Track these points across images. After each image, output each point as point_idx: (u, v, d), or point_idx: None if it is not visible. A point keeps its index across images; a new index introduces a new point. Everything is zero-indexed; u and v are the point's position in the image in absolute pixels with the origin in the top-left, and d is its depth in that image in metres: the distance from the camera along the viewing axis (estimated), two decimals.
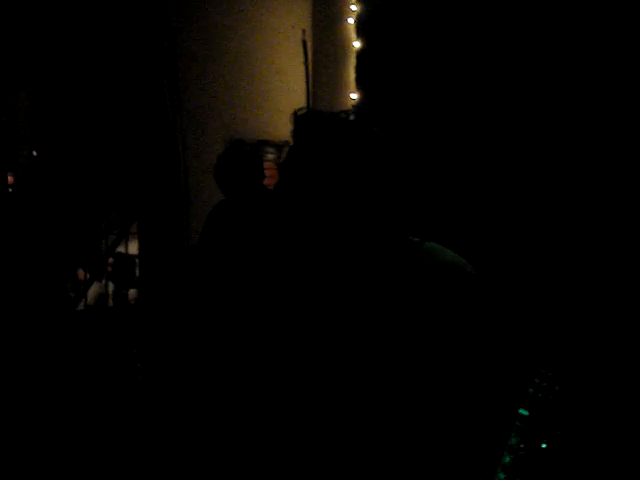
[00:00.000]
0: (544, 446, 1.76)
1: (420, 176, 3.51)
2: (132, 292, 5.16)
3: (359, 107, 4.46)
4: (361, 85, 4.46)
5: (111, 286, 5.04)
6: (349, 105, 4.60)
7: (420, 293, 1.34)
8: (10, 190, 4.58)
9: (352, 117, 1.41)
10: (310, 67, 4.72)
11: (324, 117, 1.41)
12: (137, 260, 4.81)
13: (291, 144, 1.42)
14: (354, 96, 4.51)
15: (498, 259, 3.11)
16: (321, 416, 1.42)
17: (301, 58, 4.64)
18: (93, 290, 4.82)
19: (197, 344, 3.56)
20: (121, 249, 4.82)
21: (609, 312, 2.73)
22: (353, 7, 4.50)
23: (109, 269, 5.03)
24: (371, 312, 1.37)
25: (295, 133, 1.41)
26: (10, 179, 4.60)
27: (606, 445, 2.54)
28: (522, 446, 1.66)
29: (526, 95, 3.31)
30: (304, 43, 4.63)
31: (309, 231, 1.38)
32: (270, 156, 4.64)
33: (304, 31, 4.64)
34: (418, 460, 1.38)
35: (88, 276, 4.80)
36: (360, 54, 4.42)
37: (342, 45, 4.60)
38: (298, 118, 1.40)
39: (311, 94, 4.77)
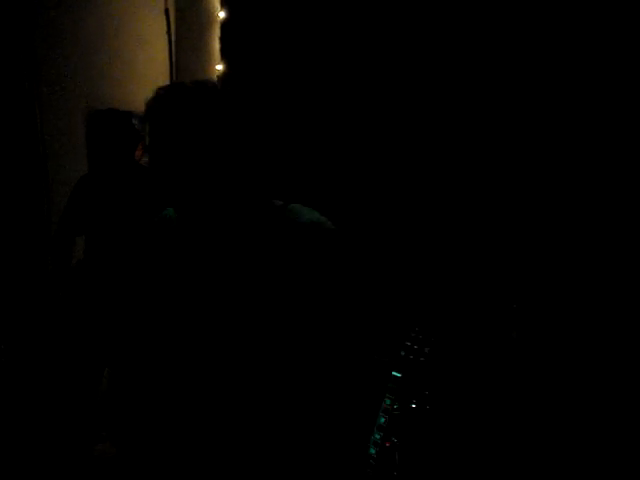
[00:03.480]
0: (414, 406, 1.87)
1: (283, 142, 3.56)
2: None
3: (224, 78, 4.42)
4: (226, 56, 4.42)
5: None
6: (214, 76, 4.55)
7: (287, 251, 1.40)
8: None
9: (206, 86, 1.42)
10: (173, 37, 4.61)
11: (181, 91, 1.42)
12: None
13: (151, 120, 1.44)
14: (219, 67, 4.46)
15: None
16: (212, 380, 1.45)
17: (164, 27, 4.53)
18: None
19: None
20: None
21: (473, 277, 2.89)
22: None
23: None
24: (248, 276, 1.42)
25: (156, 110, 1.42)
26: None
27: (471, 402, 2.71)
28: (395, 407, 1.75)
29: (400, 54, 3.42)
30: (166, 11, 4.51)
31: (188, 208, 1.40)
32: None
33: None
34: (296, 427, 1.42)
35: None
36: (225, 24, 4.38)
37: (207, 15, 4.52)
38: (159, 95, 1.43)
39: (175, 64, 4.67)
